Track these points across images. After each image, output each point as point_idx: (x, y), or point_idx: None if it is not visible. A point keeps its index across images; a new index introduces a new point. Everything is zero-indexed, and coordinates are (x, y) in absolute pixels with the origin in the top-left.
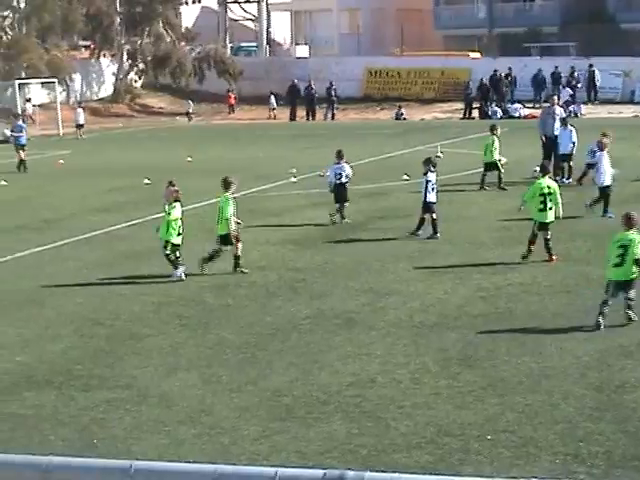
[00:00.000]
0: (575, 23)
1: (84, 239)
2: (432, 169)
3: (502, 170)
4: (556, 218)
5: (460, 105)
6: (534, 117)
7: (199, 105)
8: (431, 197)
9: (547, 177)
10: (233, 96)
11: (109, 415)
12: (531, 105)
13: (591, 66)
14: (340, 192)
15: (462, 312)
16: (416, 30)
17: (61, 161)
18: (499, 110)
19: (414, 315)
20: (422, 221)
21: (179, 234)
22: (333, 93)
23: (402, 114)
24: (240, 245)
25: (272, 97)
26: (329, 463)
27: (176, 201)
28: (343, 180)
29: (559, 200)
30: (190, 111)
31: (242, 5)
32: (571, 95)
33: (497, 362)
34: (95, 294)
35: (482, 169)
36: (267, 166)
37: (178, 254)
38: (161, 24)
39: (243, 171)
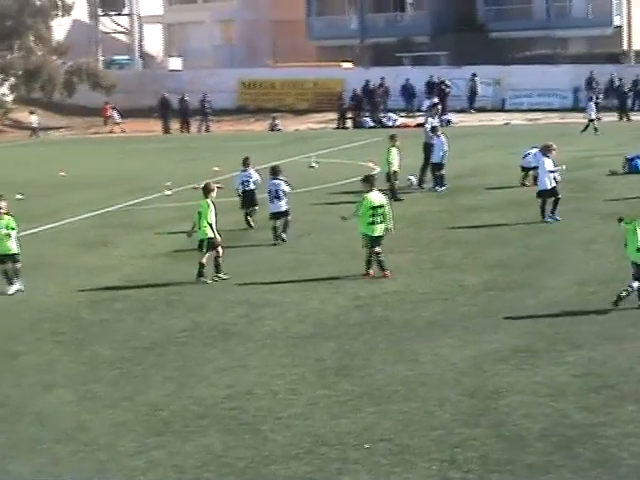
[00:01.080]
0: (446, 33)
1: None
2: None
3: (396, 180)
4: (386, 230)
5: (334, 115)
6: (407, 126)
7: (72, 119)
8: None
9: (376, 191)
10: (111, 108)
11: None
12: (404, 114)
13: (474, 75)
14: (249, 198)
15: (338, 322)
16: (290, 41)
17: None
18: (370, 120)
19: (290, 326)
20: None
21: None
22: (207, 105)
23: (277, 125)
24: (221, 250)
25: (114, 112)
26: (206, 477)
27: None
28: (251, 187)
29: (389, 214)
30: (35, 125)
31: (114, 18)
32: (435, 104)
33: (373, 371)
34: None
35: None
36: (142, 179)
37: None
38: (31, 38)
39: (118, 184)
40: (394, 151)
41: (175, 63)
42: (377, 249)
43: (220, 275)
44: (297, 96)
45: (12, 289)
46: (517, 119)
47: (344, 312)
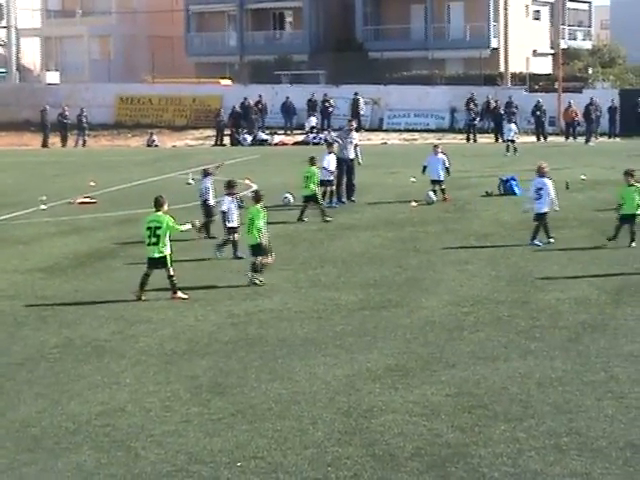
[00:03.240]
0: (324, 51)
1: None
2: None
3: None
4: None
5: (212, 132)
6: (285, 144)
7: None
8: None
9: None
10: None
11: None
12: (282, 132)
13: (356, 94)
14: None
15: (213, 339)
16: (168, 57)
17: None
18: (249, 137)
19: (165, 343)
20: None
21: None
22: (84, 119)
23: (154, 141)
24: (270, 255)
25: None
26: None
27: None
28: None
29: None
30: None
31: None
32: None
33: (247, 389)
34: None
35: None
36: (16, 193)
37: None
38: None
39: None
40: (315, 173)
41: (52, 77)
42: (169, 272)
43: (259, 279)
44: (175, 112)
45: None
46: (394, 139)
47: (218, 329)
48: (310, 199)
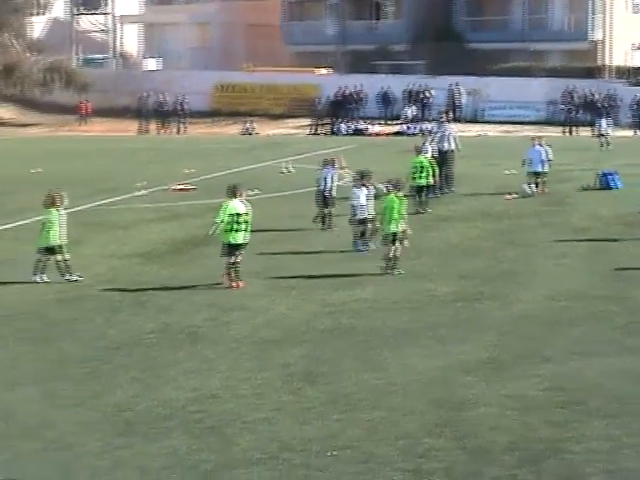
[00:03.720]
0: (424, 42)
1: None
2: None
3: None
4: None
5: (308, 121)
6: (381, 135)
7: (47, 116)
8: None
9: (238, 200)
10: (87, 106)
11: None
12: (379, 122)
13: (457, 84)
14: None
15: (306, 327)
16: (267, 45)
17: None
18: (345, 127)
19: (258, 330)
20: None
21: None
22: (182, 107)
23: (251, 129)
24: (403, 244)
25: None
26: (170, 479)
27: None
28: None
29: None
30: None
31: (91, 17)
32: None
33: (340, 378)
34: None
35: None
36: (115, 179)
37: None
38: (8, 34)
39: (90, 183)
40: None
41: (152, 63)
42: (232, 259)
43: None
44: (272, 101)
45: None
46: (491, 130)
47: (312, 318)
48: (422, 189)
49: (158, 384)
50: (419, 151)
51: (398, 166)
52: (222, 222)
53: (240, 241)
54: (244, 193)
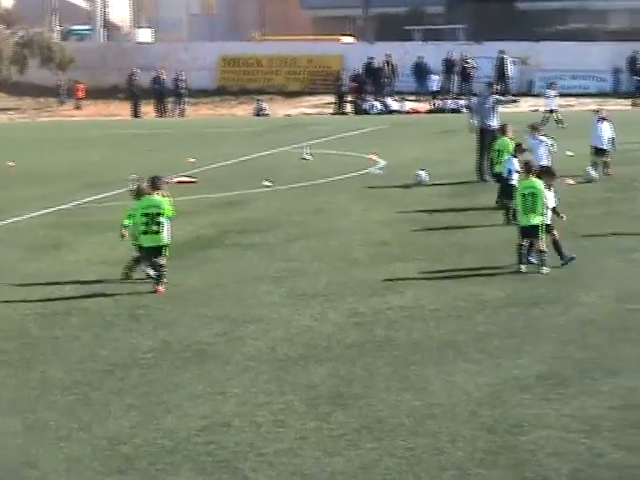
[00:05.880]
0: (464, 2)
1: None
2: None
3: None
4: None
5: (331, 98)
6: (417, 112)
7: (23, 99)
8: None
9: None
10: (82, 88)
11: None
12: (414, 98)
13: (502, 52)
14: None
15: (333, 342)
16: (280, 11)
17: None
18: (377, 104)
19: (277, 346)
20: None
21: None
22: (182, 85)
23: (263, 109)
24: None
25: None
26: None
27: None
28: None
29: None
30: None
31: None
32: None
33: (374, 400)
34: None
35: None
36: (104, 172)
37: None
38: None
39: (76, 177)
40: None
41: (144, 35)
42: (161, 261)
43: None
44: (288, 75)
45: None
46: (544, 105)
47: (340, 331)
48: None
49: (159, 412)
50: (504, 130)
51: (442, 150)
52: (134, 223)
53: (149, 244)
54: (165, 186)
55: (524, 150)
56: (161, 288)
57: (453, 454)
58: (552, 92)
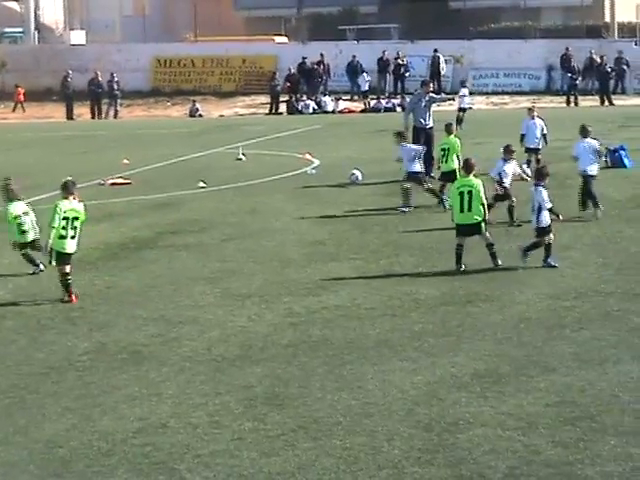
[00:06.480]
0: (397, 2)
1: None
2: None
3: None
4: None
5: (266, 99)
6: (351, 112)
7: None
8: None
9: (75, 199)
10: (22, 91)
11: None
12: (348, 98)
13: (436, 51)
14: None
15: (269, 342)
16: (212, 11)
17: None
18: (312, 104)
19: (213, 347)
20: None
21: None
22: (115, 86)
23: (197, 110)
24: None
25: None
26: None
27: None
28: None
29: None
30: None
31: None
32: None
33: (310, 400)
34: None
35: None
36: (37, 174)
37: None
38: None
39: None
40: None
41: (77, 37)
42: (67, 269)
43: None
44: (222, 76)
45: None
46: (480, 103)
47: (276, 331)
48: (450, 176)
49: (95, 414)
50: (449, 130)
51: (376, 149)
52: (55, 227)
53: (69, 250)
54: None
55: (513, 151)
56: (73, 297)
57: (390, 453)
58: (464, 90)
